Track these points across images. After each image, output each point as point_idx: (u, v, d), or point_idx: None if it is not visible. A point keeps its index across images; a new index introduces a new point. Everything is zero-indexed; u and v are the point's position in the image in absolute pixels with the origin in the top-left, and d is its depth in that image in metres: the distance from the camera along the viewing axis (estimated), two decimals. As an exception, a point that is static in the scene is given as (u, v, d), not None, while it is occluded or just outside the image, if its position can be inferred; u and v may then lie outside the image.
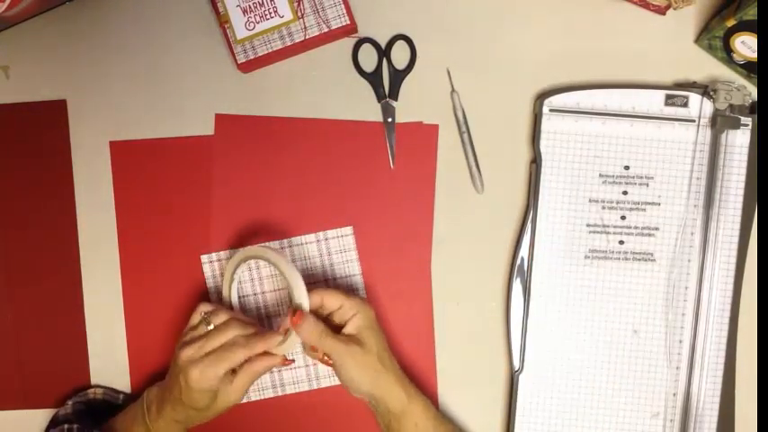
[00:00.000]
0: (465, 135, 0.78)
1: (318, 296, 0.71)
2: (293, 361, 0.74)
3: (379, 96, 0.79)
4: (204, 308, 0.72)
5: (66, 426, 0.73)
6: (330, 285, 0.79)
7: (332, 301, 0.71)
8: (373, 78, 0.79)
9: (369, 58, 0.79)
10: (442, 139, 0.79)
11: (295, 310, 0.70)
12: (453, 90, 0.78)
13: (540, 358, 0.77)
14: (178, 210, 0.79)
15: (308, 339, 0.70)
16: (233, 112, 0.79)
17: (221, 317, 0.72)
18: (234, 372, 0.70)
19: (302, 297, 0.70)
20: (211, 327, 0.71)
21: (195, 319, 0.72)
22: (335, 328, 0.71)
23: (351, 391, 0.71)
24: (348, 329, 0.71)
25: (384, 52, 0.79)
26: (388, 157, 0.78)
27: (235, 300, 0.76)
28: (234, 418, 0.79)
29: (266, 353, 0.71)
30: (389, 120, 0.78)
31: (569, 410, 0.77)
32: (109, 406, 0.78)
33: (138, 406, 0.74)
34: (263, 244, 0.77)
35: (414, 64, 0.78)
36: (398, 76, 0.79)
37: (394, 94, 0.79)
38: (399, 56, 0.79)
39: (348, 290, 0.73)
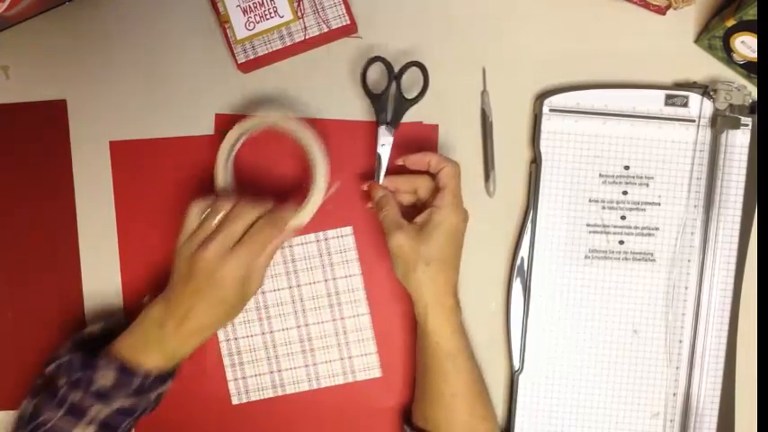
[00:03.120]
0: (489, 136, 0.77)
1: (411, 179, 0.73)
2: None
3: (380, 121, 0.76)
4: (199, 206, 0.68)
5: (65, 358, 0.68)
6: (330, 285, 0.79)
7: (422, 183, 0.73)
8: (378, 101, 0.76)
9: (379, 77, 0.77)
10: (442, 139, 0.79)
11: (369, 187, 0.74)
12: (485, 90, 0.78)
13: (540, 358, 0.77)
14: (178, 210, 0.79)
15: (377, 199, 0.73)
16: (233, 112, 0.79)
17: (226, 205, 0.68)
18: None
19: (321, 178, 0.72)
20: (220, 216, 0.67)
21: (193, 221, 0.68)
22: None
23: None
24: (420, 218, 0.71)
25: (395, 76, 0.75)
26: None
27: (229, 179, 0.75)
28: (234, 418, 0.79)
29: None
30: (383, 145, 0.75)
31: (569, 410, 0.77)
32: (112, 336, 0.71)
33: (145, 327, 0.68)
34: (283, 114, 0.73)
35: (424, 94, 0.75)
36: (404, 104, 0.76)
37: (395, 122, 0.76)
38: (410, 80, 0.76)
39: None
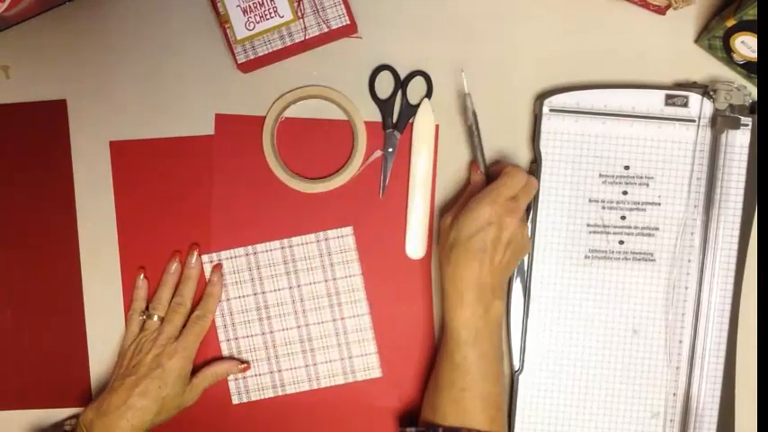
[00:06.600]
0: (476, 137, 0.77)
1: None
2: (249, 367, 0.78)
3: (386, 125, 0.78)
4: (139, 307, 0.78)
5: None
6: (330, 285, 0.79)
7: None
8: (385, 107, 0.78)
9: (385, 85, 0.79)
10: (442, 138, 0.79)
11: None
12: (467, 93, 0.78)
13: (540, 358, 0.77)
14: (178, 210, 0.79)
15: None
16: (233, 112, 0.79)
17: (159, 309, 0.77)
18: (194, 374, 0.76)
19: (361, 143, 0.78)
20: (155, 319, 0.77)
21: (134, 327, 0.77)
22: None
23: None
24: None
25: (402, 84, 0.78)
26: (379, 186, 0.78)
27: (275, 152, 0.78)
28: (234, 418, 0.79)
29: (228, 359, 0.78)
30: (390, 150, 0.78)
31: (569, 411, 0.77)
32: None
33: None
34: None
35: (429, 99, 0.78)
36: (410, 111, 0.78)
37: (401, 126, 0.78)
38: (416, 88, 0.78)
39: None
